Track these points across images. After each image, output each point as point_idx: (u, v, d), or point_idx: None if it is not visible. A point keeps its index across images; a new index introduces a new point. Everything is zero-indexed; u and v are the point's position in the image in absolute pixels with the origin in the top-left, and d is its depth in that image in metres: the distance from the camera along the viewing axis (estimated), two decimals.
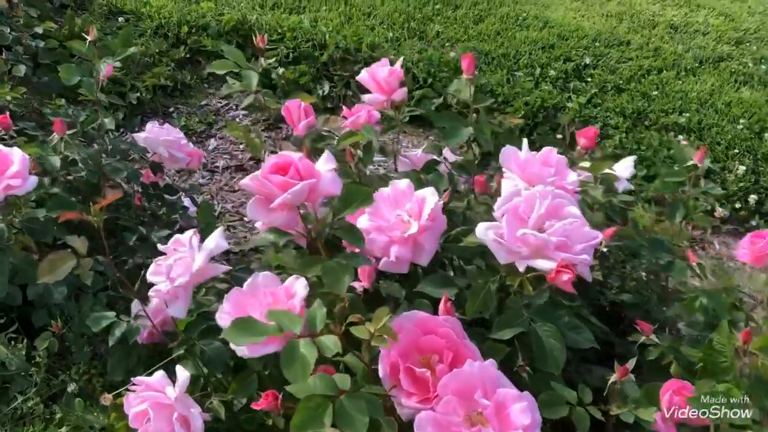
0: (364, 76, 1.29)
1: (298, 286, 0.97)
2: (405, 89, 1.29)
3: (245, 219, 2.10)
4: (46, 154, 1.43)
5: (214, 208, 2.08)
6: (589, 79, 2.79)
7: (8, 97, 1.81)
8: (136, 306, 1.35)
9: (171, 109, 2.53)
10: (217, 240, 1.06)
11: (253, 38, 2.76)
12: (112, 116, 1.64)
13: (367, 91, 1.37)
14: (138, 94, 2.43)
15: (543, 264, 0.83)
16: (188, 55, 2.74)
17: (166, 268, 1.01)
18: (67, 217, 1.15)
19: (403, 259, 1.03)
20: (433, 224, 1.03)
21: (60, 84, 2.41)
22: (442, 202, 1.06)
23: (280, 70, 2.61)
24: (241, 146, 2.40)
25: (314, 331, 0.79)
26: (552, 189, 0.89)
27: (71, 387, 1.47)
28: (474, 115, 1.32)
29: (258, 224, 1.30)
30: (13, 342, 1.48)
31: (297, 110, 1.34)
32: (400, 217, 1.05)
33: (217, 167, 2.29)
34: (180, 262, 1.02)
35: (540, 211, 0.86)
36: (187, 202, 1.84)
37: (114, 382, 1.50)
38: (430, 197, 1.04)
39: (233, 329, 0.77)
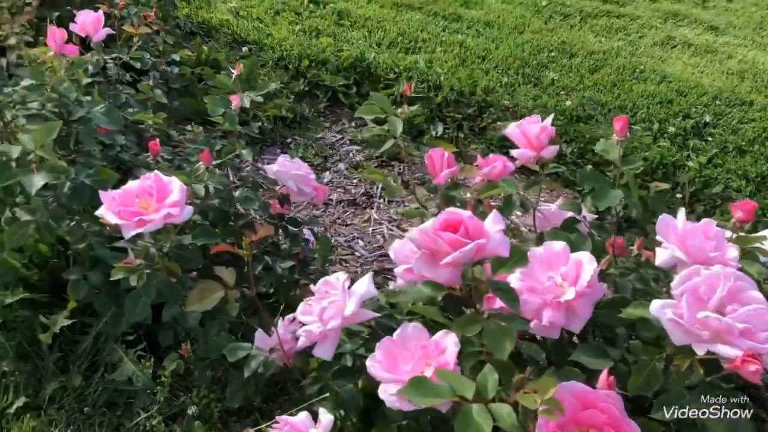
0: (514, 131, 1.29)
1: (449, 342, 0.97)
2: (556, 147, 1.28)
3: (356, 254, 2.12)
4: (191, 182, 1.49)
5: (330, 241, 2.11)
6: (709, 138, 2.70)
7: (149, 121, 1.89)
8: (260, 335, 1.38)
9: (289, 140, 2.60)
10: (367, 286, 1.07)
11: (370, 76, 2.81)
12: (250, 148, 1.70)
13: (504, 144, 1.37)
14: (260, 124, 2.52)
15: (726, 350, 0.79)
16: (307, 88, 2.81)
17: (319, 310, 1.03)
18: (219, 250, 1.19)
19: (556, 324, 1.01)
20: (590, 291, 1.00)
21: (189, 108, 2.53)
22: (599, 268, 1.04)
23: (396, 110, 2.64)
24: (354, 180, 2.44)
25: (485, 397, 0.78)
26: (733, 270, 0.86)
27: (191, 410, 1.51)
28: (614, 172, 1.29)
29: (397, 270, 1.31)
30: (141, 360, 1.54)
31: (440, 160, 1.34)
32: (554, 280, 1.03)
33: (331, 200, 2.33)
34: (333, 305, 1.03)
35: (722, 293, 0.83)
36: (307, 234, 1.88)
37: (231, 408, 1.53)
38: (588, 263, 1.02)
39: (410, 388, 0.77)
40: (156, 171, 1.24)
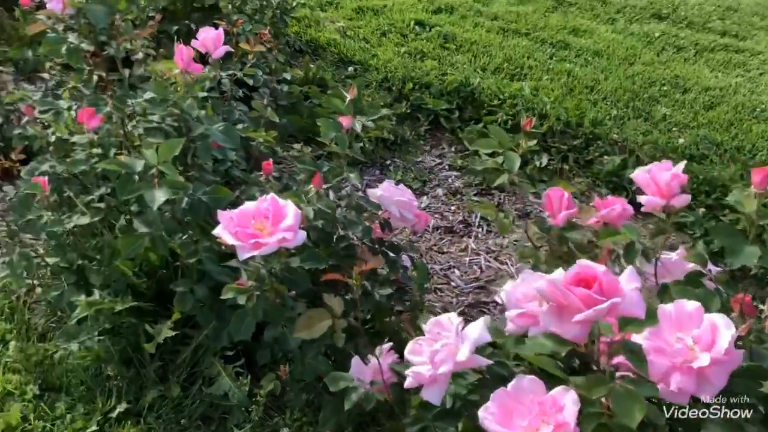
0: (643, 176, 1.23)
1: (568, 400, 0.91)
2: (687, 197, 1.20)
3: (452, 283, 2.08)
4: (301, 203, 1.50)
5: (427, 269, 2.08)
6: None
7: (260, 139, 1.92)
8: (357, 363, 1.36)
9: (388, 162, 2.60)
10: (480, 331, 1.03)
11: (473, 101, 2.77)
12: (357, 172, 1.69)
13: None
14: (362, 145, 2.52)
15: None
16: (409, 111, 2.80)
17: (431, 353, 0.99)
18: (329, 278, 1.18)
19: (686, 391, 0.94)
20: (727, 359, 0.93)
21: (294, 125, 2.57)
22: (737, 334, 0.96)
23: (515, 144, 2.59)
24: (452, 207, 2.40)
25: None
26: None
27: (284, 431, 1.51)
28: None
29: (508, 314, 1.26)
30: (239, 376, 1.55)
31: (559, 200, 1.29)
32: (685, 343, 0.96)
33: (428, 226, 2.30)
34: (445, 349, 1.00)
35: None
36: (405, 260, 1.86)
37: None
38: (725, 328, 0.94)
39: None
40: (272, 194, 1.25)
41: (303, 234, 1.22)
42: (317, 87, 2.78)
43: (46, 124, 1.90)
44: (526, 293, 1.17)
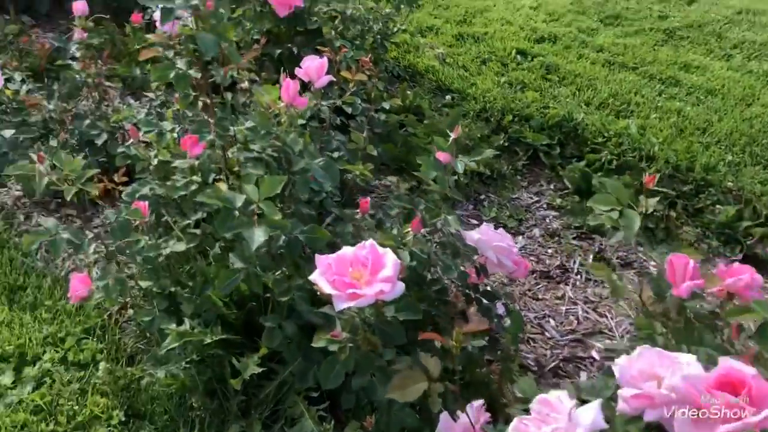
0: None
1: None
2: None
3: (546, 334, 1.97)
4: (397, 246, 1.44)
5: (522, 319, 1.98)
6: None
7: (356, 172, 1.88)
8: (445, 419, 1.28)
9: (482, 197, 2.51)
10: (595, 416, 0.94)
11: (576, 137, 2.65)
12: (456, 216, 1.62)
13: None
14: (456, 178, 2.44)
15: None
16: (507, 144, 2.71)
17: None
18: (427, 338, 1.11)
19: None
20: None
21: (388, 154, 2.53)
22: None
23: (602, 178, 2.46)
24: (549, 250, 2.29)
25: None
26: None
27: None
28: None
29: (622, 393, 1.15)
30: (322, 421, 1.49)
31: (683, 268, 1.17)
32: None
33: None
34: None
35: None
36: (499, 307, 1.77)
37: None
38: None
39: None
40: (372, 242, 1.19)
41: (401, 286, 1.16)
42: (414, 116, 2.73)
43: (148, 142, 1.93)
44: (643, 371, 1.06)
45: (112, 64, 2.25)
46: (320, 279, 1.15)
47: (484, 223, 1.73)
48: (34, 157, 1.33)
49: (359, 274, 1.17)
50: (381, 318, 1.24)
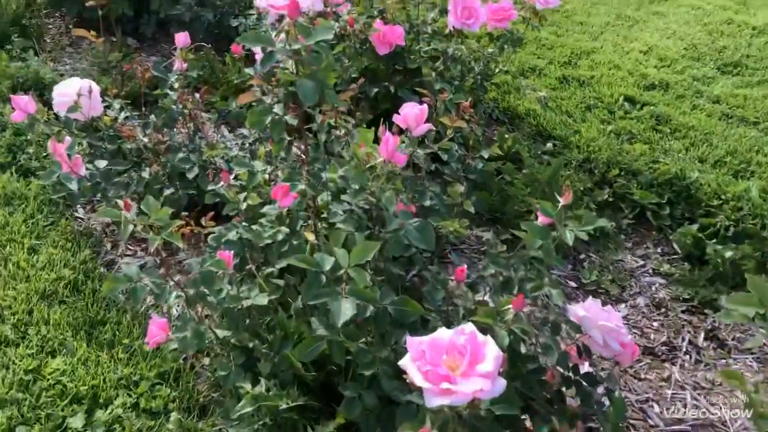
0: None
1: None
2: None
3: (649, 421, 1.78)
4: (495, 324, 1.31)
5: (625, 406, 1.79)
6: None
7: (450, 228, 1.76)
8: None
9: (582, 257, 2.33)
10: None
11: (688, 197, 2.43)
12: (561, 289, 1.47)
13: None
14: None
15: None
16: (611, 199, 2.52)
17: None
18: None
19: None
20: None
21: (482, 204, 2.39)
22: None
23: (717, 246, 2.24)
24: (654, 323, 2.08)
25: None
26: None
27: None
28: None
29: None
30: None
31: None
32: None
33: None
34: None
35: None
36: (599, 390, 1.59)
37: None
38: None
39: None
40: (472, 328, 1.06)
41: (502, 384, 1.02)
42: (511, 163, 2.59)
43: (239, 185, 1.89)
44: None
45: (209, 94, 2.23)
46: (411, 367, 1.03)
47: (590, 298, 1.56)
48: (120, 203, 1.28)
49: (455, 364, 1.04)
50: (475, 413, 1.10)
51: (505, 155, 2.64)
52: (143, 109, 2.39)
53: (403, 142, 1.82)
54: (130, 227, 1.26)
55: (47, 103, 2.80)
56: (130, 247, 2.16)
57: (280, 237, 1.59)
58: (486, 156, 2.21)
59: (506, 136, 2.73)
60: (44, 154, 2.45)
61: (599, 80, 3.32)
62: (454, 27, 2.59)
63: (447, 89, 2.45)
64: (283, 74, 1.47)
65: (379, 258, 1.54)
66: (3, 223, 2.14)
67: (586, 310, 1.55)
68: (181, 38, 2.22)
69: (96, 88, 2.11)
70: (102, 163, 1.94)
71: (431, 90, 2.34)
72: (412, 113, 1.82)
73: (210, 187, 1.90)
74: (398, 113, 1.73)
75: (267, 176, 1.90)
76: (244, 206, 1.70)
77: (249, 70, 2.33)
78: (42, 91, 2.88)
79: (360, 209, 1.57)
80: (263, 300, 1.49)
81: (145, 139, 1.99)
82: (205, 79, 2.96)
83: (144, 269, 1.42)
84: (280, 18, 2.32)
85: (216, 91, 2.93)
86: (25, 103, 2.06)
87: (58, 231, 2.15)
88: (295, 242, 1.54)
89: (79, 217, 2.29)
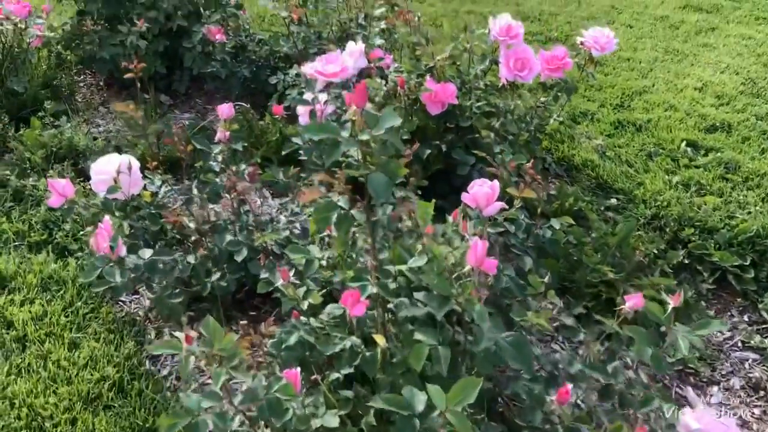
0: None
1: None
2: None
3: None
4: None
5: None
6: None
7: (534, 321, 1.58)
8: None
9: (662, 328, 2.13)
10: None
11: None
12: (675, 404, 1.29)
13: None
14: None
15: None
16: (687, 261, 2.32)
17: None
18: None
19: None
20: None
21: (554, 279, 2.21)
22: None
23: None
24: (755, 410, 1.87)
25: None
26: None
27: None
28: None
29: None
30: None
31: None
32: None
33: None
34: None
35: None
36: None
37: None
38: None
39: None
40: None
41: None
42: (573, 219, 2.40)
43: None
44: None
45: (255, 167, 2.10)
46: None
47: (701, 405, 1.37)
48: (181, 336, 1.12)
49: None
50: None
51: (567, 211, 2.46)
52: (184, 181, 2.26)
53: (470, 217, 1.67)
54: (193, 361, 1.11)
55: (81, 172, 2.71)
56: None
57: (348, 344, 1.43)
58: (557, 226, 2.03)
59: (567, 192, 2.55)
60: (81, 232, 2.33)
61: (657, 124, 3.13)
62: (506, 79, 2.45)
63: (506, 149, 2.29)
64: (347, 171, 1.32)
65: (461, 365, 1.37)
66: (41, 313, 2.01)
67: (699, 421, 1.36)
68: (225, 109, 2.09)
69: (135, 164, 1.99)
70: (146, 253, 1.80)
71: (490, 153, 2.18)
72: (482, 192, 1.67)
73: (263, 275, 1.75)
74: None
75: (324, 262, 1.75)
76: (305, 306, 1.54)
77: (297, 140, 2.19)
78: (76, 159, 2.77)
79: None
80: (334, 422, 1.33)
81: (191, 224, 1.85)
82: (243, 138, 2.83)
83: (204, 394, 1.26)
84: (328, 85, 2.19)
85: (256, 151, 2.79)
86: (62, 187, 1.94)
87: (99, 320, 2.01)
88: (368, 353, 1.37)
89: (121, 300, 2.15)
